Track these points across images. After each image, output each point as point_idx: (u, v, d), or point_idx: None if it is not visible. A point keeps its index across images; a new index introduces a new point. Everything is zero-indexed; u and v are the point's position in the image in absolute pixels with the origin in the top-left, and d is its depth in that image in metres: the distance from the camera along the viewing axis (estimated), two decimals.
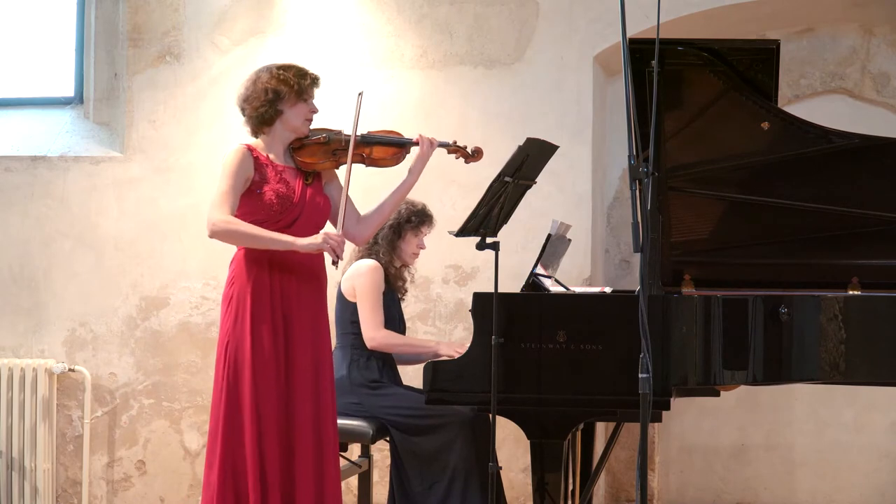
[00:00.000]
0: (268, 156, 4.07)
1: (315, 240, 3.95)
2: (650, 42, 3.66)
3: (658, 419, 3.99)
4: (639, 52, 4.00)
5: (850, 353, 4.01)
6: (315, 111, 4.13)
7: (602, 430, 5.38)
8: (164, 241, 5.80)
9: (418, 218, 4.78)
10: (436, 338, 5.51)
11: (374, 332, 4.62)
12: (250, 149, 4.05)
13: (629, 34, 3.44)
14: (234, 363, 3.98)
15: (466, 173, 5.52)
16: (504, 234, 4.23)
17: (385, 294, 4.70)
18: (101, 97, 5.96)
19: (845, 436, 5.81)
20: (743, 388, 4.31)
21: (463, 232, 4.09)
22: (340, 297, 4.73)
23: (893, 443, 5.79)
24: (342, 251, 3.97)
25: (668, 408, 3.96)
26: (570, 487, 4.64)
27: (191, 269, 5.74)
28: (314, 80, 4.13)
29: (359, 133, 4.10)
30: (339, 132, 4.15)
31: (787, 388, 5.50)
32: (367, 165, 4.15)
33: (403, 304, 5.30)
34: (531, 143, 4.04)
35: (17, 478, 5.70)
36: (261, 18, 5.79)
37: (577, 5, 5.56)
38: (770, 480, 5.86)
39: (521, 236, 5.39)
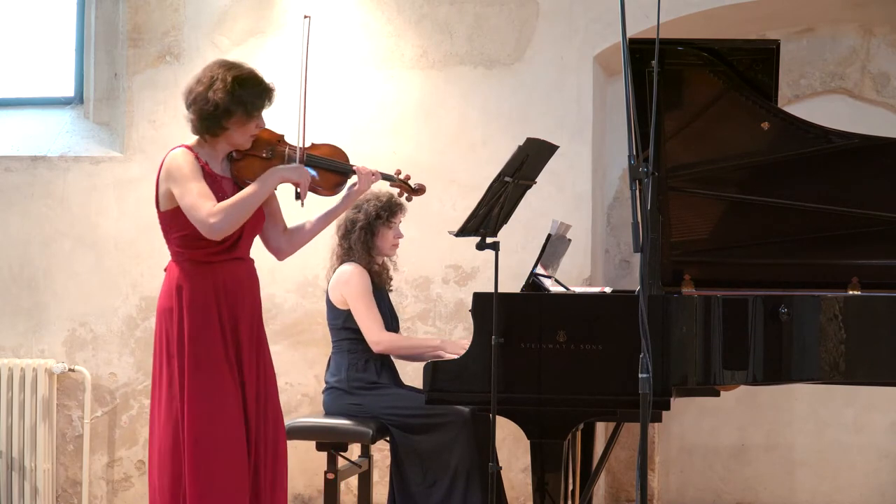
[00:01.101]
0: (207, 163, 3.87)
1: (299, 172, 3.85)
2: (650, 42, 3.66)
3: (658, 419, 4.00)
4: (639, 52, 4.00)
5: (850, 353, 4.01)
6: (262, 126, 3.90)
7: (602, 430, 5.38)
8: (164, 241, 5.78)
9: (387, 211, 4.71)
10: (438, 338, 5.50)
11: (377, 337, 4.61)
12: (195, 154, 3.86)
13: (629, 34, 3.44)
14: (179, 374, 3.81)
15: (466, 173, 5.54)
16: (504, 234, 4.23)
17: (374, 293, 4.68)
18: (101, 97, 5.96)
19: (845, 436, 5.81)
20: (743, 388, 4.31)
21: (463, 232, 4.09)
22: (330, 304, 4.72)
23: (893, 443, 5.79)
24: (307, 191, 3.89)
25: (668, 408, 3.96)
26: (570, 487, 4.64)
27: None
28: (269, 97, 3.88)
29: (305, 146, 3.93)
30: (283, 141, 3.95)
31: (787, 388, 5.50)
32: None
33: (404, 304, 5.30)
34: (531, 143, 4.04)
35: (17, 478, 5.70)
36: (261, 18, 5.79)
37: (577, 5, 5.56)
38: (770, 480, 5.86)
39: (521, 236, 5.39)
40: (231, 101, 3.80)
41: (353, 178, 4.03)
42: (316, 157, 3.98)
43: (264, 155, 3.93)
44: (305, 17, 4.00)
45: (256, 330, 3.98)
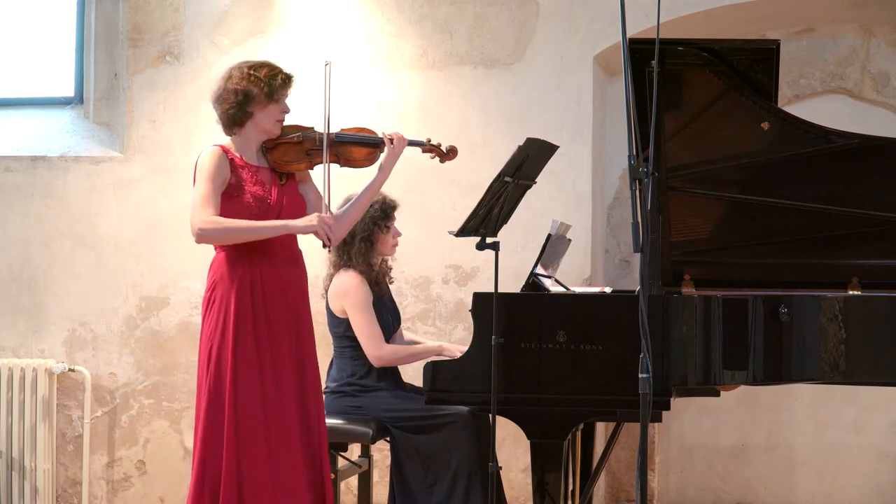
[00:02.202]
0: (241, 156, 4.00)
1: (311, 220, 3.93)
2: (650, 42, 3.66)
3: (658, 419, 3.99)
4: (639, 52, 4.00)
5: (850, 353, 4.01)
6: (287, 111, 4.06)
7: (602, 430, 5.38)
8: (164, 241, 5.80)
9: (383, 218, 4.68)
10: (436, 338, 5.50)
11: (378, 352, 4.59)
12: (224, 150, 3.99)
13: (629, 34, 3.44)
14: (216, 369, 3.92)
15: (466, 173, 5.54)
16: (504, 234, 4.23)
17: (375, 300, 4.66)
18: (101, 97, 5.96)
19: (845, 436, 5.81)
20: (743, 388, 4.31)
21: (463, 232, 4.09)
22: (330, 312, 4.70)
23: (893, 443, 5.79)
24: (333, 233, 3.96)
25: (668, 408, 3.96)
26: (570, 487, 4.64)
27: (191, 269, 5.73)
28: (286, 81, 4.05)
29: (332, 131, 4.06)
30: (312, 129, 4.10)
31: (787, 388, 5.50)
32: (342, 166, 4.11)
33: (404, 304, 5.29)
34: (531, 143, 4.04)
35: (17, 478, 5.70)
36: (261, 18, 5.79)
37: (577, 5, 5.56)
38: (770, 480, 5.86)
39: (521, 236, 5.39)
40: (249, 84, 3.97)
41: (385, 149, 4.12)
42: (344, 134, 4.11)
43: (295, 139, 4.07)
44: (326, 63, 4.08)
45: (297, 325, 4.03)
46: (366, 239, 4.66)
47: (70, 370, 5.78)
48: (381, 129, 4.16)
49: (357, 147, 4.10)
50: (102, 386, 5.84)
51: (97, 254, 5.86)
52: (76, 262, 5.87)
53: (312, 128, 4.11)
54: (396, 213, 4.77)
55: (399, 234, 4.77)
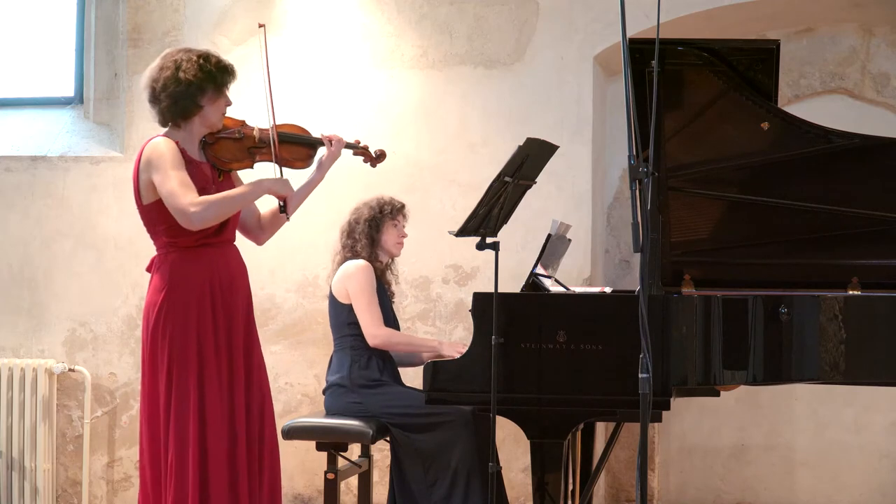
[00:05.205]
0: (185, 149, 3.90)
1: (284, 181, 3.94)
2: (650, 42, 3.66)
3: (658, 419, 3.99)
4: (639, 52, 4.00)
5: (850, 353, 4.01)
6: (230, 104, 3.99)
7: (602, 430, 5.38)
8: None
9: (390, 206, 4.77)
10: (436, 338, 5.51)
11: (375, 330, 4.62)
12: (176, 142, 3.88)
13: (629, 34, 3.44)
14: (183, 377, 3.82)
15: (466, 173, 5.54)
16: (504, 234, 4.23)
17: (377, 291, 4.70)
18: (101, 97, 5.96)
19: (845, 436, 5.81)
20: (743, 388, 4.31)
21: (463, 232, 4.09)
22: (333, 300, 4.72)
23: (893, 443, 5.79)
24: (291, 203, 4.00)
25: (668, 408, 3.96)
26: (570, 487, 4.64)
27: None
28: (233, 73, 3.97)
29: (269, 127, 4.01)
30: (245, 123, 4.04)
31: (787, 388, 5.50)
32: (280, 165, 4.04)
33: (404, 304, 5.29)
34: (531, 143, 4.04)
35: (17, 478, 5.70)
36: (261, 18, 5.77)
37: (577, 5, 5.56)
38: (770, 480, 5.86)
39: (521, 236, 5.39)
40: (203, 76, 3.88)
41: (323, 149, 4.11)
42: (285, 133, 4.07)
43: (236, 136, 4.01)
44: (261, 25, 4.06)
45: (249, 322, 4.02)
46: (370, 221, 4.72)
47: (70, 370, 5.78)
48: (318, 131, 4.16)
49: (298, 147, 4.08)
50: (102, 386, 5.84)
51: (97, 254, 5.86)
52: (76, 262, 5.87)
53: (244, 122, 4.06)
54: (405, 220, 4.83)
55: (404, 236, 4.81)
